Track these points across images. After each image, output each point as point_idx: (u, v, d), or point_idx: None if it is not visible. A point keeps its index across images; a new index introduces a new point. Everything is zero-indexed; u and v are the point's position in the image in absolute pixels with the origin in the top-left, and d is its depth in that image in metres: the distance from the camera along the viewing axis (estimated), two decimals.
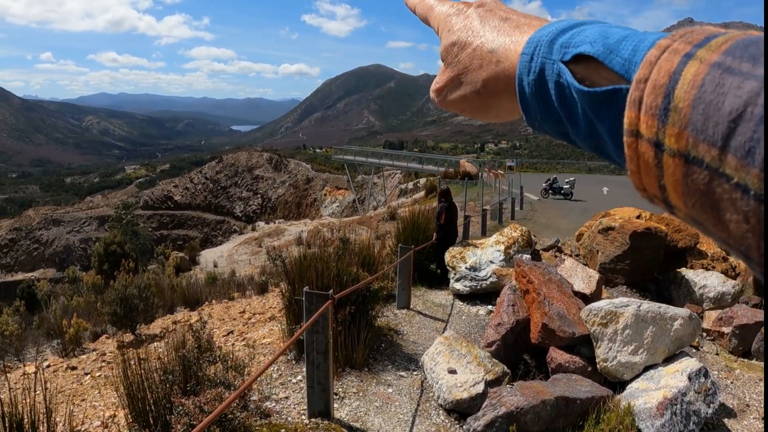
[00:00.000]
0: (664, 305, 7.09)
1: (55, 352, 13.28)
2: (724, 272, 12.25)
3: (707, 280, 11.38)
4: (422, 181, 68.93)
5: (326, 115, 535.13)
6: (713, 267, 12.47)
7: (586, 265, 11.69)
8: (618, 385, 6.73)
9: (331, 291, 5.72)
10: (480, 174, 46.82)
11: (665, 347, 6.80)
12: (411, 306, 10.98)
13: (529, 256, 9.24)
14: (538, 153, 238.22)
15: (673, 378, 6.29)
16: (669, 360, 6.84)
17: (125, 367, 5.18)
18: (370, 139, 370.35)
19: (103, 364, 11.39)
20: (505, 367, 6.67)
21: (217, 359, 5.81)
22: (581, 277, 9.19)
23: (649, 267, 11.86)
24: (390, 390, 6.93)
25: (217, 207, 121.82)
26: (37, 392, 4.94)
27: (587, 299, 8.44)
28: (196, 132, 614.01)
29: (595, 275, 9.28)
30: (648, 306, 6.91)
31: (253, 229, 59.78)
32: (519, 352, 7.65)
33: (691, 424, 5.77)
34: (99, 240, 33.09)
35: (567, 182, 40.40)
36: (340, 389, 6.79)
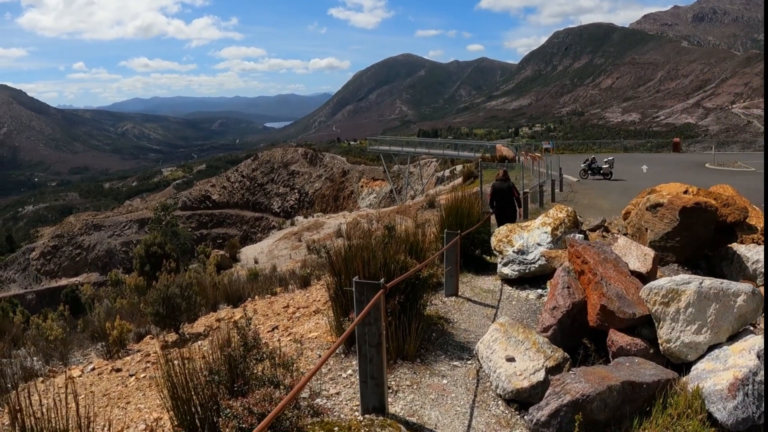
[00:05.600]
0: (725, 281, 6.73)
1: (99, 354, 13.24)
2: None
3: (759, 255, 10.90)
4: (458, 168, 68.71)
5: (359, 107, 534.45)
6: (764, 241, 12.01)
7: None
8: (683, 366, 6.41)
9: (382, 280, 5.47)
10: (517, 158, 46.54)
11: (729, 325, 6.47)
12: (459, 293, 10.76)
13: (581, 235, 8.87)
14: (573, 134, 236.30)
15: (740, 357, 5.96)
16: (733, 338, 6.50)
17: (169, 369, 4.98)
18: (403, 128, 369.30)
19: (148, 365, 11.28)
20: (565, 353, 6.37)
21: (264, 356, 5.59)
22: (636, 256, 8.82)
23: (699, 243, 11.39)
24: (444, 381, 6.67)
25: (254, 204, 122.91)
26: (82, 396, 4.77)
27: (643, 278, 8.08)
28: (230, 131, 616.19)
29: (651, 253, 8.89)
30: (710, 282, 6.57)
31: (292, 224, 59.82)
32: (576, 336, 7.34)
33: (764, 405, 5.47)
34: (140, 242, 33.25)
35: (606, 162, 40.42)
36: (393, 382, 6.55)
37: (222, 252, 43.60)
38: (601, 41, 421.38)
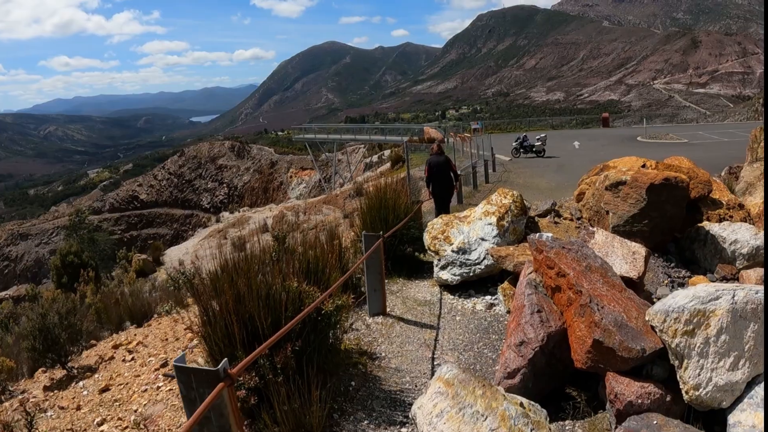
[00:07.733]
0: (760, 289, 4.66)
1: None
2: (743, 221, 10.26)
3: (737, 234, 9.24)
4: (387, 153, 68.67)
5: (285, 97, 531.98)
6: (731, 216, 10.42)
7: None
8: (711, 414, 4.38)
9: (222, 363, 3.06)
10: (446, 139, 45.36)
11: None
12: (388, 310, 8.44)
13: (550, 234, 6.68)
14: (499, 115, 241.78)
15: None
16: None
17: None
18: (331, 116, 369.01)
19: (22, 415, 8.97)
20: (550, 426, 4.08)
21: None
22: (621, 256, 6.68)
23: (671, 225, 9.74)
24: None
25: (184, 201, 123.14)
26: None
27: (634, 286, 5.99)
28: (156, 128, 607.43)
29: (641, 251, 6.74)
30: (744, 294, 4.48)
31: (218, 221, 58.42)
32: (554, 380, 5.12)
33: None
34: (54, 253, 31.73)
35: (538, 139, 40.81)
36: None
37: (144, 256, 41.21)
38: (524, 23, 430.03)
